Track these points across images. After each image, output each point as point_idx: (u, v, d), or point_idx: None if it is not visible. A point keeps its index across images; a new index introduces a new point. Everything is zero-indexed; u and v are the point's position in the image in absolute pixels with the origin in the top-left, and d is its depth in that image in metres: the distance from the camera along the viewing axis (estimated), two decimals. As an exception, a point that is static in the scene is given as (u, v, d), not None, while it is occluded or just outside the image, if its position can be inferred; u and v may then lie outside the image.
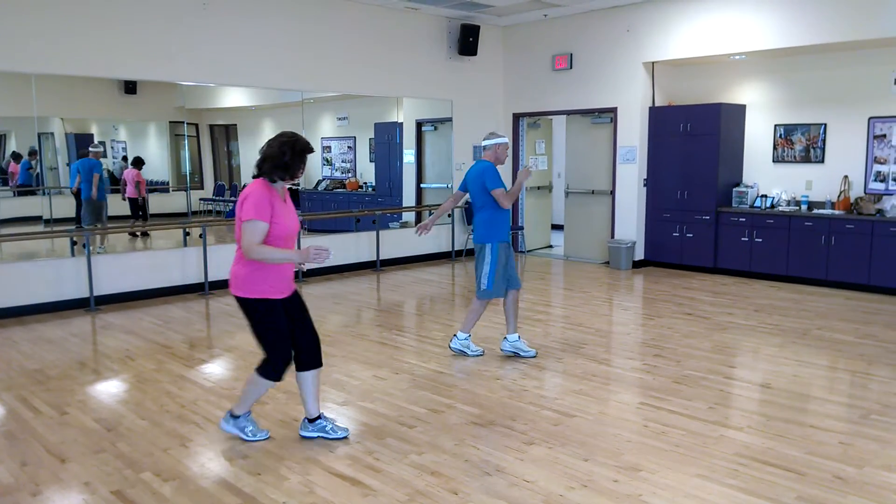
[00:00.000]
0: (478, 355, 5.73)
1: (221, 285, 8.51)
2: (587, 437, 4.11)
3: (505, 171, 11.35)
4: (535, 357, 5.68)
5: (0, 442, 4.11)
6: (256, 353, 5.83)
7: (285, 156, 3.71)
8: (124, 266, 7.99)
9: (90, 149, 9.09)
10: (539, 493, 3.43)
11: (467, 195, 5.69)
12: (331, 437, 4.08)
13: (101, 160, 9.16)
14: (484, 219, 5.54)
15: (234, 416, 4.08)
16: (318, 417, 4.12)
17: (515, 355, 5.70)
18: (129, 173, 9.34)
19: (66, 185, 9.06)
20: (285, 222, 3.79)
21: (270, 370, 3.92)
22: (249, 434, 4.07)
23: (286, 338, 3.91)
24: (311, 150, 3.83)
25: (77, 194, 8.81)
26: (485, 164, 5.55)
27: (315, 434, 4.10)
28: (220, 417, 4.28)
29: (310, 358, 4.03)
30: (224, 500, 3.39)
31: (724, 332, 6.49)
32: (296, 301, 4.01)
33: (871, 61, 8.36)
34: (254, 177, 3.81)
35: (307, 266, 3.81)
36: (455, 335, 5.80)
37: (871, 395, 4.84)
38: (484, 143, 5.62)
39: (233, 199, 11.55)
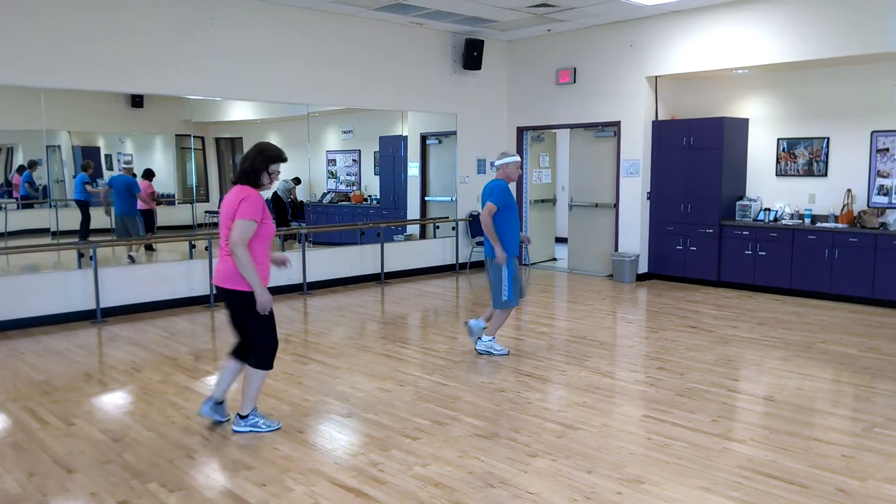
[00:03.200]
0: (503, 353, 6.14)
1: (226, 297, 8.55)
2: (590, 450, 4.13)
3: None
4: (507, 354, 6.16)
5: (7, 452, 4.14)
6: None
7: (252, 163, 4.09)
8: (130, 278, 8.03)
9: (123, 165, 9.20)
10: (542, 505, 3.45)
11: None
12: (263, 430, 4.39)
13: (107, 172, 9.25)
14: (499, 234, 5.93)
15: (243, 417, 4.36)
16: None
17: (488, 354, 6.18)
18: (141, 185, 9.42)
19: (73, 197, 9.12)
20: (270, 224, 4.18)
21: (265, 360, 4.28)
22: (264, 427, 4.36)
23: (275, 326, 4.30)
24: (280, 160, 4.15)
25: (81, 204, 8.86)
26: (496, 182, 5.95)
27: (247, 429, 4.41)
28: (227, 427, 4.32)
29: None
30: (229, 511, 3.41)
31: (727, 346, 6.50)
32: None
33: (873, 75, 8.41)
34: (233, 182, 4.19)
35: (259, 303, 4.10)
36: (480, 338, 6.19)
37: (874, 408, 4.85)
38: (496, 162, 6.05)
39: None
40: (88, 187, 8.82)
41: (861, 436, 4.34)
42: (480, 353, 6.16)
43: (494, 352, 6.14)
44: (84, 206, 8.89)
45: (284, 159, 4.18)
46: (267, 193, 11.16)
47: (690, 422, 4.56)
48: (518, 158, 6.03)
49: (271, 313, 4.21)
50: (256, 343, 4.26)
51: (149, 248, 9.61)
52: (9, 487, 3.68)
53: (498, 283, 5.98)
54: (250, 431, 4.34)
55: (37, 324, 7.28)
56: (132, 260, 8.68)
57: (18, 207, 9.03)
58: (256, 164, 4.09)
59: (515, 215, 6.01)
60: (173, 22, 8.00)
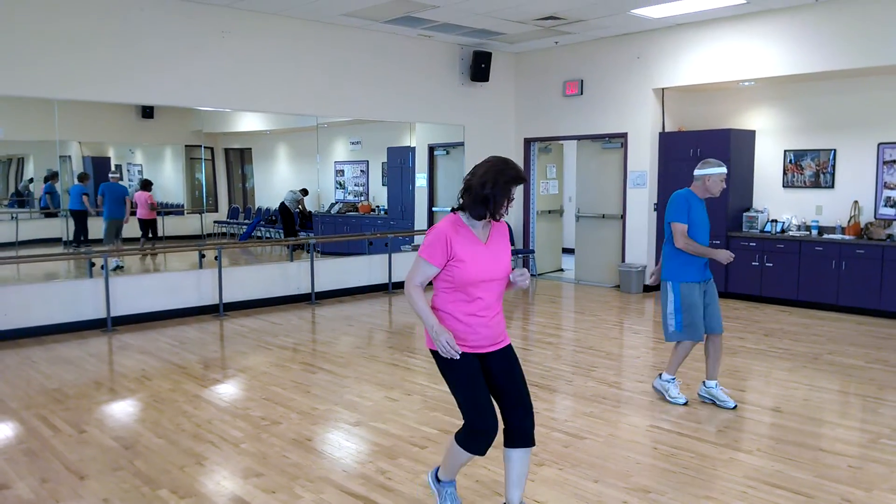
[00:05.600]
0: (678, 403, 5.14)
1: (236, 307, 8.62)
2: (597, 459, 4.15)
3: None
4: (734, 408, 5.03)
5: (21, 459, 4.19)
6: (271, 374, 5.95)
7: (485, 187, 3.02)
8: (141, 287, 8.11)
9: (110, 174, 9.34)
10: (549, 514, 3.48)
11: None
12: None
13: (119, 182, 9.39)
14: (668, 253, 5.11)
15: (438, 480, 3.47)
16: None
17: (712, 403, 5.14)
18: (141, 195, 9.53)
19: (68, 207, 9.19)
20: (472, 267, 3.07)
21: (464, 437, 3.17)
22: (441, 499, 3.45)
23: (480, 400, 3.12)
24: (521, 181, 3.09)
25: (77, 214, 8.94)
26: (679, 192, 5.06)
27: None
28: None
29: (513, 431, 3.21)
30: (239, 518, 3.45)
31: (734, 357, 6.51)
32: (503, 359, 3.23)
33: (880, 87, 8.44)
34: (453, 210, 3.19)
35: (438, 346, 3.05)
36: (659, 374, 5.38)
37: (881, 419, 4.86)
38: (695, 171, 5.06)
39: (246, 221, 11.73)
40: (85, 199, 8.90)
41: (867, 447, 4.35)
42: (657, 392, 5.32)
43: (669, 397, 5.18)
44: (79, 215, 8.96)
45: (524, 179, 3.13)
46: (275, 203, 11.31)
47: (697, 432, 4.58)
48: (723, 170, 4.97)
49: (469, 377, 3.14)
50: (461, 410, 3.19)
51: (153, 255, 9.74)
52: (22, 493, 3.73)
53: (664, 309, 5.13)
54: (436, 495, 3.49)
55: (48, 332, 7.35)
56: (121, 268, 8.75)
57: (31, 217, 9.14)
58: (497, 189, 3.02)
59: (704, 232, 5.03)
60: (186, 35, 8.10)
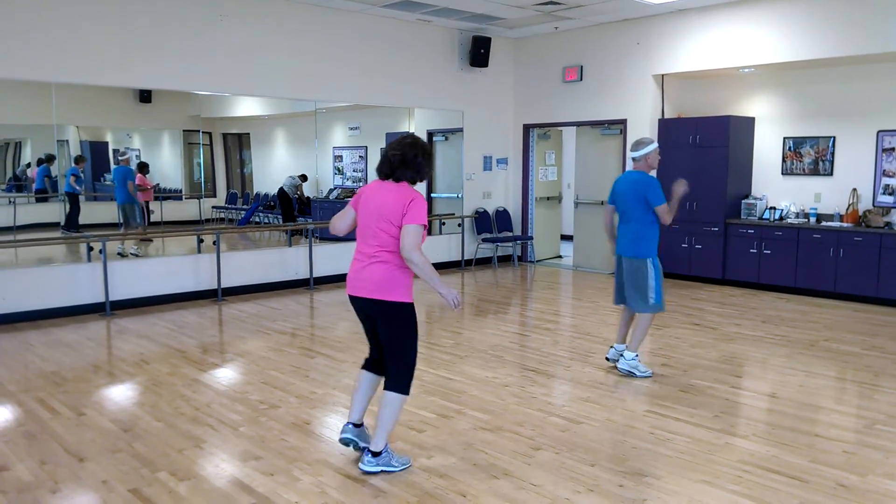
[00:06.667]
0: (646, 376, 5.44)
1: (234, 292, 8.63)
2: (594, 443, 4.18)
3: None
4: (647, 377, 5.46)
5: (20, 441, 4.21)
6: (269, 358, 5.97)
7: (418, 157, 3.71)
8: (139, 272, 8.11)
9: (119, 157, 9.32)
10: (546, 497, 3.50)
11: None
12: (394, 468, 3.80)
13: (114, 167, 9.35)
14: (641, 233, 5.46)
15: (376, 454, 3.75)
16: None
17: (630, 375, 5.52)
18: (138, 178, 9.50)
19: (82, 190, 9.17)
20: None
21: (408, 383, 3.76)
22: (397, 465, 3.77)
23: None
24: (431, 154, 3.90)
25: (68, 197, 8.90)
26: (643, 175, 5.46)
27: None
28: (355, 458, 3.84)
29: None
30: (238, 500, 3.47)
31: (731, 343, 6.53)
32: None
33: (879, 75, 8.42)
34: (388, 179, 3.75)
35: (449, 300, 3.62)
36: (622, 355, 5.53)
37: (876, 405, 4.88)
38: (633, 154, 5.51)
39: (244, 206, 11.71)
40: (72, 180, 8.85)
41: (862, 432, 4.38)
42: (622, 373, 5.51)
43: (638, 373, 5.43)
44: (72, 198, 8.93)
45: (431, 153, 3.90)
46: (273, 188, 11.29)
47: (693, 417, 4.60)
48: (657, 143, 5.50)
49: (417, 333, 3.78)
50: (401, 364, 3.73)
51: (145, 240, 9.72)
52: (22, 475, 3.75)
53: (644, 284, 5.44)
54: (382, 471, 3.74)
55: (46, 316, 7.35)
56: (121, 255, 8.71)
57: (28, 201, 9.12)
58: (424, 158, 3.75)
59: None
60: (184, 18, 8.06)
